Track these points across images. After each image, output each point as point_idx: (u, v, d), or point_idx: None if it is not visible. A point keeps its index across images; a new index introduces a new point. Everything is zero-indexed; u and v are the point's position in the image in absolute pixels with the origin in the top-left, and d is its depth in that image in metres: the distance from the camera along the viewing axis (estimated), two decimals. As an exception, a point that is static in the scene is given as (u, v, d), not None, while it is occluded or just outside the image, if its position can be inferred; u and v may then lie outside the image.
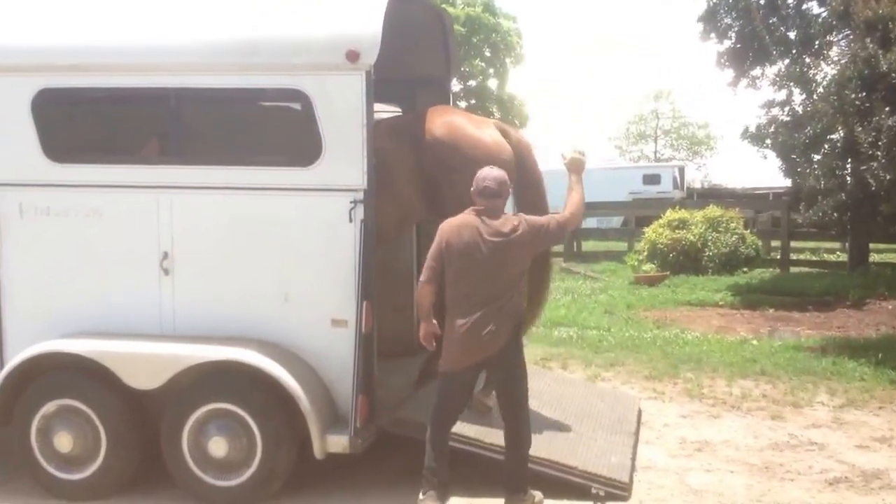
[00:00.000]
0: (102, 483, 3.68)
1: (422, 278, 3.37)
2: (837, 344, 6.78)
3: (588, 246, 14.58)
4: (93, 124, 4.02)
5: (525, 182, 4.14)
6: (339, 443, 3.47)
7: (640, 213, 15.49)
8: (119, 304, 3.78)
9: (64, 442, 3.65)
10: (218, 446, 3.54)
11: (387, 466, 4.01)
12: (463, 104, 21.38)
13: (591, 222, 16.79)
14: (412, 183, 3.96)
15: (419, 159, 3.93)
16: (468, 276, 3.31)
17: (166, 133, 3.79)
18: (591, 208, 16.12)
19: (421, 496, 3.38)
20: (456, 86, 5.04)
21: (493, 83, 22.16)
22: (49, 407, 3.68)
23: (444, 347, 3.37)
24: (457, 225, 3.36)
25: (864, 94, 7.20)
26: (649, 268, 11.14)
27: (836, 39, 9.39)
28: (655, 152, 40.39)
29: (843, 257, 12.61)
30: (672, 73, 64.37)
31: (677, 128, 40.71)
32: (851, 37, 8.13)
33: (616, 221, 19.38)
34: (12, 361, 3.70)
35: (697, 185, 30.26)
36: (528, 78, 59.97)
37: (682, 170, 25.49)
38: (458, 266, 3.31)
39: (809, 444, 4.39)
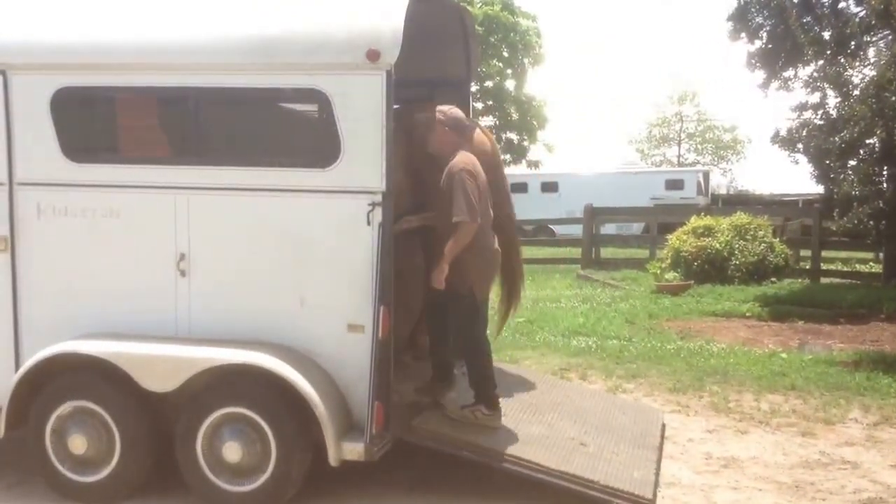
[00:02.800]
0: (115, 486, 3.65)
1: (473, 219, 3.70)
2: (871, 358, 6.55)
3: (607, 253, 14.35)
4: (111, 124, 4.01)
5: (495, 182, 4.46)
6: (354, 450, 3.41)
7: (662, 220, 15.23)
8: (135, 306, 3.76)
9: (78, 444, 3.64)
10: (232, 451, 3.50)
11: (401, 475, 3.93)
12: (479, 105, 21.26)
13: (610, 229, 16.54)
14: (402, 170, 4.00)
15: (409, 150, 4.05)
16: (489, 202, 3.86)
17: (184, 133, 3.76)
18: (611, 214, 15.99)
19: (488, 414, 3.84)
20: (473, 86, 4.97)
21: (510, 84, 22.00)
22: (64, 408, 3.66)
23: (479, 275, 3.83)
24: (473, 161, 3.82)
25: (905, 97, 6.96)
26: (672, 276, 10.92)
27: (874, 40, 9.11)
28: (679, 156, 39.86)
29: (877, 268, 12.27)
30: (698, 74, 63.61)
31: (702, 131, 40.11)
32: (891, 37, 7.88)
33: (637, 228, 19.11)
34: (28, 362, 3.69)
35: (723, 191, 29.82)
36: (547, 78, 59.60)
37: (706, 175, 25.08)
38: (485, 194, 3.82)
39: (842, 463, 4.25)
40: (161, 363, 3.55)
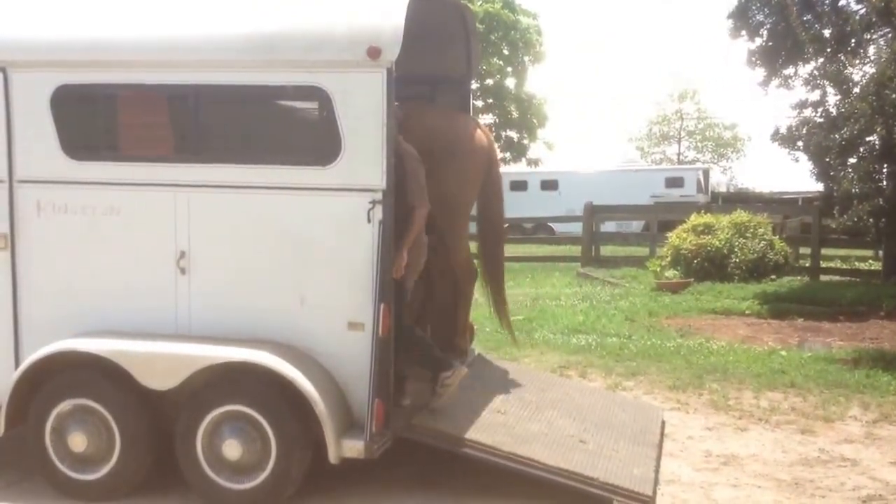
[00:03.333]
0: (115, 484, 3.65)
1: (426, 206, 3.73)
2: (871, 356, 6.55)
3: (607, 251, 14.36)
4: (111, 121, 4.00)
5: (490, 179, 4.45)
6: (354, 448, 3.41)
7: (662, 218, 15.25)
8: (135, 303, 3.76)
9: (78, 442, 3.64)
10: (232, 449, 3.50)
11: (402, 472, 3.94)
12: (480, 103, 21.30)
13: (610, 226, 16.56)
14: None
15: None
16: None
17: (184, 130, 3.76)
18: (611, 212, 16.02)
19: (449, 374, 3.83)
20: (473, 84, 4.97)
21: (511, 82, 22.02)
22: (64, 406, 3.66)
23: (416, 264, 3.86)
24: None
25: (906, 94, 6.96)
26: (672, 274, 10.92)
27: (874, 37, 9.12)
28: (679, 154, 39.83)
29: (876, 265, 12.27)
30: (699, 72, 63.51)
31: (702, 129, 40.09)
32: (891, 34, 7.88)
33: (636, 226, 19.13)
34: (28, 360, 3.69)
35: (723, 189, 29.79)
36: (547, 76, 59.56)
37: (706, 172, 25.09)
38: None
39: (841, 460, 4.25)
40: (161, 361, 3.55)
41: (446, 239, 4.33)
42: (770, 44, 10.37)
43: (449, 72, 4.79)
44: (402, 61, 3.43)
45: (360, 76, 3.45)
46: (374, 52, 3.39)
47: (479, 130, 4.47)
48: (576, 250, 14.30)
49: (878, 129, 7.34)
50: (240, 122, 3.86)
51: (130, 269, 3.77)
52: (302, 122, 3.96)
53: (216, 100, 3.71)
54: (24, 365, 3.69)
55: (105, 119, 4.00)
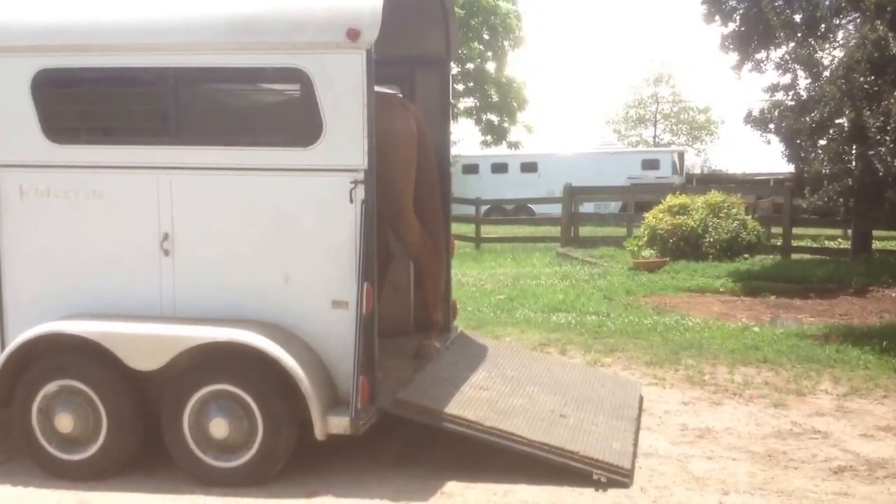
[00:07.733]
0: (102, 464, 3.68)
1: None
2: (840, 332, 6.73)
3: (585, 231, 14.52)
4: (92, 105, 3.97)
5: (423, 159, 4.32)
6: (339, 424, 3.47)
7: (638, 199, 15.44)
8: (120, 286, 3.77)
9: (65, 422, 3.65)
10: (219, 427, 3.54)
11: (386, 448, 4.01)
12: (461, 87, 21.28)
13: (588, 207, 16.75)
14: None
15: None
16: None
17: (165, 113, 3.75)
18: (589, 193, 16.19)
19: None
20: (453, 68, 4.93)
21: (491, 66, 22.01)
22: (50, 387, 3.67)
23: None
24: None
25: (873, 77, 7.12)
26: (649, 253, 11.11)
27: (843, 22, 9.30)
28: (654, 137, 40.14)
29: (845, 244, 12.58)
30: (674, 56, 63.90)
31: (677, 112, 40.41)
32: (860, 19, 8.04)
33: (614, 206, 19.34)
34: (14, 342, 3.68)
35: (697, 171, 30.11)
36: (526, 60, 59.55)
37: (681, 155, 25.34)
38: None
39: (813, 433, 4.35)
40: (146, 342, 3.57)
41: (395, 225, 4.30)
42: (742, 29, 10.51)
43: (428, 52, 4.80)
44: (382, 42, 3.45)
45: (339, 58, 3.46)
46: (353, 34, 3.41)
47: (409, 115, 4.31)
48: (555, 231, 14.44)
49: (847, 112, 7.48)
50: (221, 104, 3.85)
51: (114, 252, 3.77)
52: (283, 104, 3.96)
53: (197, 82, 3.71)
54: (9, 347, 3.68)
55: (86, 103, 3.96)
